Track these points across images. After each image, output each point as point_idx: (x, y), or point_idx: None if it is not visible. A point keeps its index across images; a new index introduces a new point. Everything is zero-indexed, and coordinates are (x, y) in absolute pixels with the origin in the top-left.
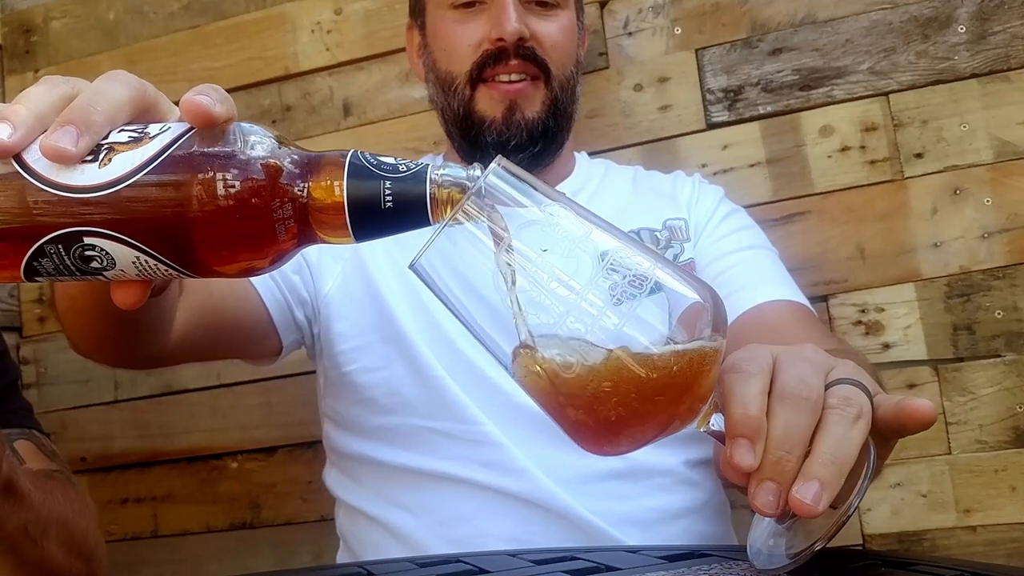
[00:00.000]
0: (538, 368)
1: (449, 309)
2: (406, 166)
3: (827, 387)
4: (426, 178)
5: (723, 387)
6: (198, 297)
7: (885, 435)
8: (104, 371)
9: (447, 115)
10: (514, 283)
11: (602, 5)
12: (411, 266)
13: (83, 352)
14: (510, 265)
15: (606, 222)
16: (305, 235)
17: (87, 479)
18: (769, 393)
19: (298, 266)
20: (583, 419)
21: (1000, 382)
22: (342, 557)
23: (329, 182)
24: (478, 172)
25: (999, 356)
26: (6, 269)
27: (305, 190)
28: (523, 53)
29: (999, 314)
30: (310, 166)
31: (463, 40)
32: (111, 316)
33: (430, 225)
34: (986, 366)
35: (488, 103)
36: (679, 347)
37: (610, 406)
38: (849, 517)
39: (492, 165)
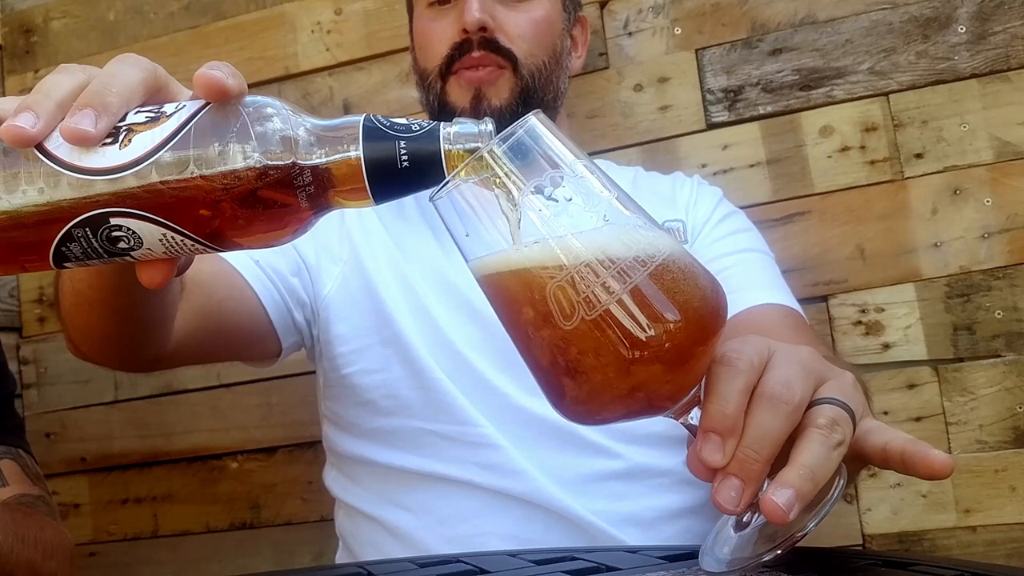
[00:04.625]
0: (533, 315)
1: (460, 250)
2: (419, 125)
3: (817, 402)
4: (439, 135)
5: (708, 378)
6: (197, 300)
7: (865, 461)
8: (104, 371)
9: (428, 112)
10: (522, 227)
11: (602, 5)
12: (432, 199)
13: (83, 352)
14: (525, 210)
15: (626, 194)
16: (325, 201)
17: (87, 479)
18: (753, 389)
19: (297, 268)
20: (566, 373)
21: (1000, 382)
22: (341, 557)
23: (346, 146)
24: (489, 126)
25: (999, 356)
26: (36, 259)
27: (323, 156)
28: (486, 43)
29: (999, 314)
30: (326, 133)
31: (435, 36)
32: (118, 312)
33: (446, 182)
34: (986, 366)
35: (457, 93)
36: (672, 325)
37: (594, 366)
38: (803, 537)
39: (530, 115)
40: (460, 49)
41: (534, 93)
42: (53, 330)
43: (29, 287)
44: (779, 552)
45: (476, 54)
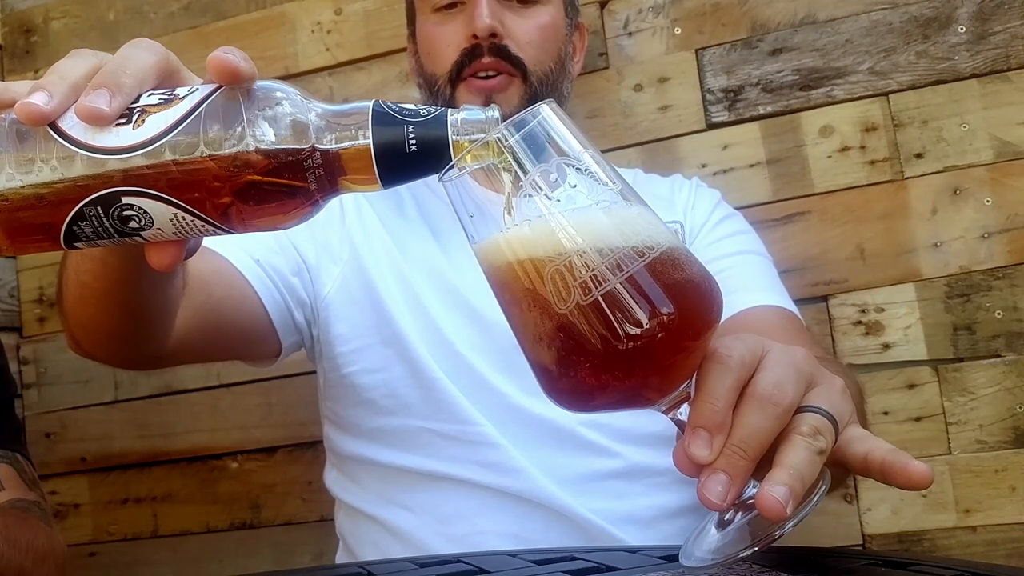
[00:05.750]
0: (530, 297)
1: (464, 230)
2: (427, 110)
3: (803, 409)
4: (447, 120)
5: (699, 374)
6: (197, 297)
7: (846, 469)
8: (104, 371)
9: None
10: (526, 210)
11: (602, 5)
12: (440, 178)
13: (84, 349)
14: (529, 195)
15: (631, 187)
16: (334, 184)
17: (87, 479)
18: (745, 387)
19: (297, 268)
20: (559, 358)
21: (1000, 382)
22: (341, 557)
23: (355, 131)
24: (495, 113)
25: (999, 356)
26: (48, 238)
27: (332, 140)
28: (496, 50)
29: (999, 314)
30: (336, 117)
31: (443, 41)
32: (122, 305)
33: (453, 167)
34: (986, 366)
35: (467, 100)
36: (665, 317)
37: (585, 352)
38: (781, 536)
39: (542, 104)
40: (470, 55)
41: (541, 100)
42: (53, 330)
43: (29, 287)
44: (756, 549)
45: (487, 60)
